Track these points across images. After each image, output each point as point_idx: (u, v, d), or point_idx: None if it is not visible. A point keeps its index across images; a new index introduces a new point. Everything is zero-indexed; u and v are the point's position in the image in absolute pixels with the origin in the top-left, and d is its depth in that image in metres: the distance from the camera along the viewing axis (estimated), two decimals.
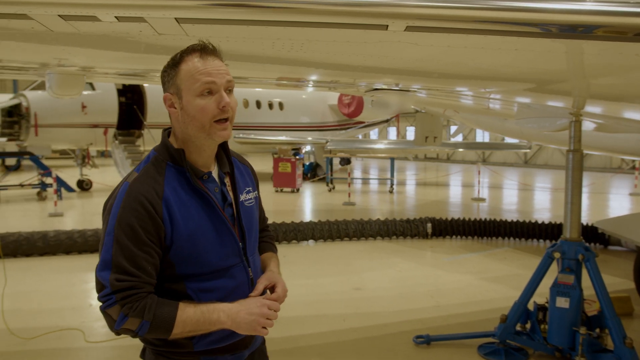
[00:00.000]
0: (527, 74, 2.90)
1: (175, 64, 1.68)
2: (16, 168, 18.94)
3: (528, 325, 4.60)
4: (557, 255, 4.35)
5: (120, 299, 1.58)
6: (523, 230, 9.36)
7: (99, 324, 5.20)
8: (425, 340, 4.77)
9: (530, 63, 2.61)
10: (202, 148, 1.74)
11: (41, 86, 14.75)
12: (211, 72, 1.65)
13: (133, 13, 1.89)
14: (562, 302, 4.20)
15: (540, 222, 9.36)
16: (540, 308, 4.51)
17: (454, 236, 9.65)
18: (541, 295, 4.62)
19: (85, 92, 15.10)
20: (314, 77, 4.43)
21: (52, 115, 15.18)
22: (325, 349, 4.74)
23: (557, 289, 4.24)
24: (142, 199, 1.62)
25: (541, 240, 9.30)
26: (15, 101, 15.46)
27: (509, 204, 15.37)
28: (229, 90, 1.69)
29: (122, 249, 1.60)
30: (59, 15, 1.94)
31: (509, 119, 7.09)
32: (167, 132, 1.79)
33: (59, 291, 6.44)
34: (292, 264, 7.73)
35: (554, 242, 4.29)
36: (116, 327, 1.60)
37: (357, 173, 25.07)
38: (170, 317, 1.60)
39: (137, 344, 1.83)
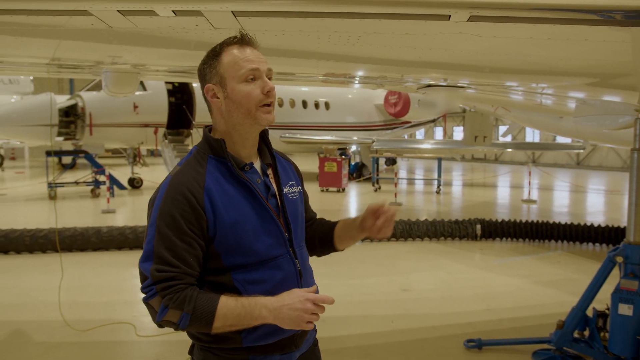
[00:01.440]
0: (592, 67, 2.76)
1: (216, 55, 1.71)
2: (72, 166, 19.62)
3: (586, 333, 4.40)
4: (619, 259, 4.12)
5: (160, 290, 1.58)
6: (578, 234, 8.98)
7: (149, 319, 5.27)
8: (476, 345, 4.63)
9: (597, 54, 2.47)
10: (245, 137, 1.74)
11: (96, 87, 15.27)
12: (253, 59, 1.68)
13: (191, 7, 1.89)
14: (625, 310, 3.98)
15: (596, 225, 8.98)
16: (600, 315, 4.30)
17: (503, 238, 9.38)
18: (599, 301, 4.41)
19: (137, 93, 15.53)
20: (362, 73, 4.35)
21: (106, 115, 15.69)
22: (373, 350, 4.67)
23: (620, 295, 4.02)
24: (183, 189, 1.63)
25: (597, 244, 8.93)
26: (71, 102, 16.06)
27: (561, 207, 14.85)
28: (269, 78, 1.72)
29: (162, 239, 1.60)
30: (118, 11, 1.96)
31: (565, 116, 6.83)
32: (209, 128, 1.80)
33: (111, 285, 6.62)
34: (337, 263, 7.65)
35: (611, 246, 4.09)
36: (157, 319, 1.61)
37: (403, 173, 24.82)
38: (211, 309, 1.57)
39: (186, 338, 1.81)
